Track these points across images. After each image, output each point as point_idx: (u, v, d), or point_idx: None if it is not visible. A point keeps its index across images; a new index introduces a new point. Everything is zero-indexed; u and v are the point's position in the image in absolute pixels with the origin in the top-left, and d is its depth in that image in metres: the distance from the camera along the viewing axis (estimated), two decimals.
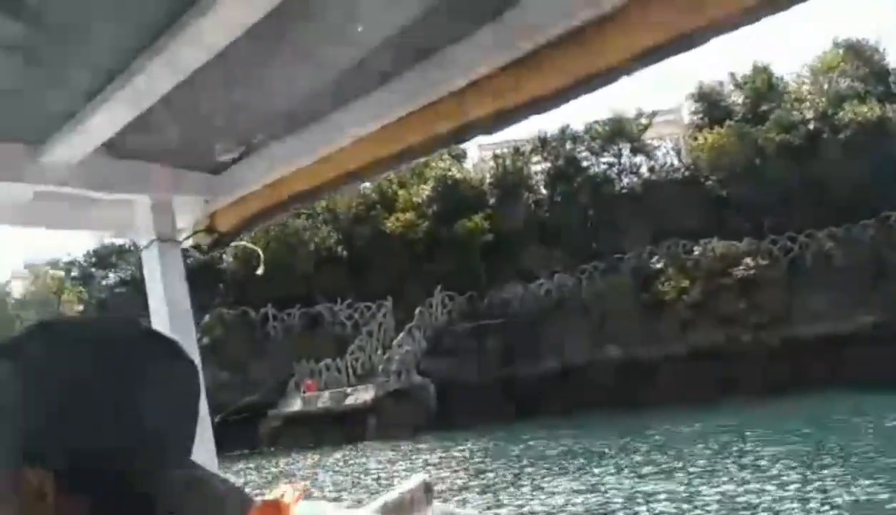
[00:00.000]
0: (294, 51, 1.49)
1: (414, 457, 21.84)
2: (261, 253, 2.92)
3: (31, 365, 0.78)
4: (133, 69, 1.37)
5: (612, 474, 15.79)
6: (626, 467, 16.36)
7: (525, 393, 29.47)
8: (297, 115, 1.79)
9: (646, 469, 15.82)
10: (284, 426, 29.65)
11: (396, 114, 1.65)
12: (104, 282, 41.72)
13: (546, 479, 16.19)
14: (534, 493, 14.93)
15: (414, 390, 30.29)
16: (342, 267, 36.91)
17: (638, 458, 17.30)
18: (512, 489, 15.67)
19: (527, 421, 25.45)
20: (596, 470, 16.41)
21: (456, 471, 18.60)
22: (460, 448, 22.32)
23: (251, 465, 24.59)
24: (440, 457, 21.16)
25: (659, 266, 33.59)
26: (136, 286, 30.45)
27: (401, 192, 37.88)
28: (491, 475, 17.66)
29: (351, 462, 22.58)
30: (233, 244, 2.30)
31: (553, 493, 14.72)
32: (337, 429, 27.79)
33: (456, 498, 14.83)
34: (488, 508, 13.87)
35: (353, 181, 1.90)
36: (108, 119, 1.53)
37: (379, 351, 32.82)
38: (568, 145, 38.84)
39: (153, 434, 0.76)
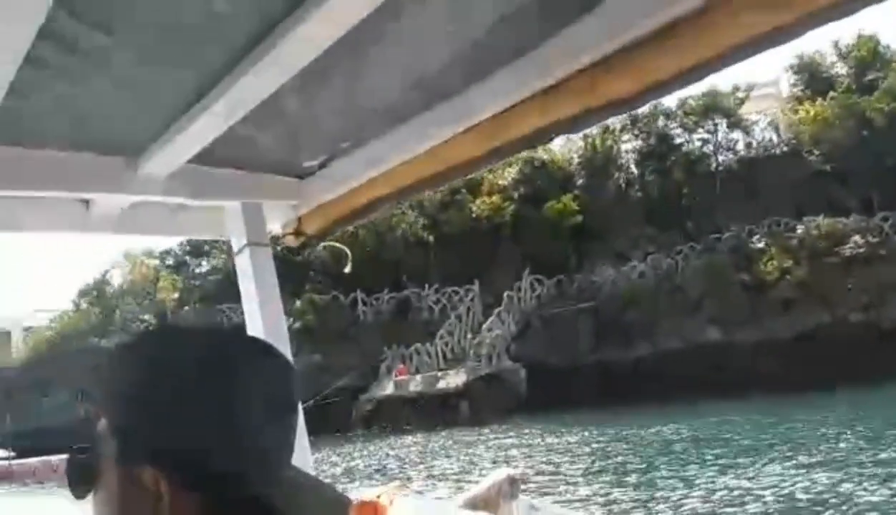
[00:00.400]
0: (382, 54, 1.47)
1: (530, 442, 21.37)
2: (348, 252, 2.95)
3: (147, 368, 0.80)
4: (235, 75, 1.37)
5: (767, 464, 14.38)
6: (774, 459, 14.88)
7: (618, 377, 28.98)
8: (383, 119, 1.78)
9: (797, 461, 14.48)
10: (377, 409, 30.32)
11: (485, 114, 1.62)
12: (197, 271, 43.37)
13: (692, 471, 14.80)
14: (687, 489, 13.34)
15: (505, 374, 30.35)
16: (429, 252, 37.27)
17: (784, 449, 15.76)
18: (661, 481, 14.32)
19: (620, 407, 24.92)
20: (742, 461, 15.06)
21: (580, 457, 17.96)
22: (574, 434, 21.78)
23: (352, 449, 25.06)
24: (556, 443, 20.61)
25: (760, 245, 32.32)
26: (227, 275, 31.77)
27: (486, 176, 37.81)
28: (624, 463, 16.66)
29: (457, 446, 22.35)
30: (321, 244, 2.35)
31: (705, 489, 13.11)
32: (430, 413, 28.21)
33: (604, 491, 13.76)
34: (645, 504, 12.69)
35: (437, 183, 1.91)
36: (205, 128, 1.54)
37: (468, 336, 33.01)
38: (660, 122, 37.74)
39: (260, 436, 0.79)
